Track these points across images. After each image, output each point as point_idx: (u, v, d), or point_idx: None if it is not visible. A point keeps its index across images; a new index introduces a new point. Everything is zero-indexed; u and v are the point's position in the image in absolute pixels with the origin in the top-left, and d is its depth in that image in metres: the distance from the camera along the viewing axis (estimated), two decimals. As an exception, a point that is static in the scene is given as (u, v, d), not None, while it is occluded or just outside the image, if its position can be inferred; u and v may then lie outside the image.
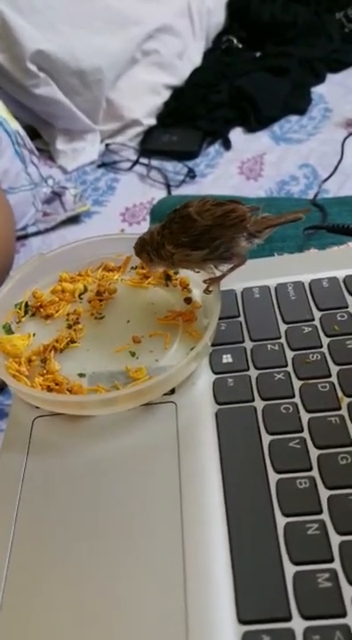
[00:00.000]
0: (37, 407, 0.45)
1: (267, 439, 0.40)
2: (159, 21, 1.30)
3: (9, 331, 0.49)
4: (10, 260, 0.59)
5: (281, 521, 0.36)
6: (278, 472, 0.38)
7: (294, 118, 1.28)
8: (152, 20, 1.29)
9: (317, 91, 1.35)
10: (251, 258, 0.51)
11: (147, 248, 0.46)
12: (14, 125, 1.10)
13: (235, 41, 1.43)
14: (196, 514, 0.38)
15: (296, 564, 0.34)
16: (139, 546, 0.37)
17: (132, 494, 0.40)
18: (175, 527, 0.37)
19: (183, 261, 0.45)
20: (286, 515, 0.36)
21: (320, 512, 0.36)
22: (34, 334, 0.49)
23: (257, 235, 0.45)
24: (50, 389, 0.44)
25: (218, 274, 0.48)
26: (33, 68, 1.14)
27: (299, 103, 1.29)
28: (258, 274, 0.52)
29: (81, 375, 0.46)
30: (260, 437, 0.41)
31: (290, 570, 0.34)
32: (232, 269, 0.46)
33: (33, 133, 1.27)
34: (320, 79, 1.36)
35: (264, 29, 1.42)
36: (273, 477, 0.38)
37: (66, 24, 1.18)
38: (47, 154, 1.30)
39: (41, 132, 1.30)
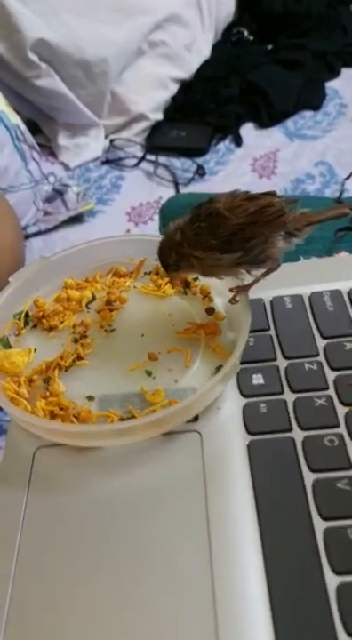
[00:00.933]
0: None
1: (310, 478, 0.34)
2: (167, 11, 1.24)
3: (6, 345, 0.44)
4: (18, 268, 0.54)
5: (332, 581, 0.30)
6: (325, 519, 0.33)
7: (308, 114, 1.23)
8: (160, 9, 1.23)
9: (331, 85, 1.29)
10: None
11: (170, 256, 0.40)
12: (14, 119, 1.04)
13: (245, 33, 1.37)
14: (227, 567, 0.32)
15: (349, 634, 0.29)
16: (159, 601, 0.31)
17: (150, 540, 0.34)
18: (203, 582, 0.31)
19: (212, 267, 0.39)
20: (338, 573, 0.30)
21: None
22: (35, 349, 0.43)
23: (296, 233, 0.39)
24: (54, 415, 0.39)
25: (246, 280, 0.42)
26: (34, 58, 1.08)
27: (312, 98, 1.24)
28: (287, 280, 0.46)
29: (89, 398, 0.40)
30: (302, 475, 0.35)
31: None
32: (265, 275, 0.40)
33: (34, 128, 1.21)
34: (334, 73, 1.30)
35: (276, 21, 1.37)
36: (319, 525, 0.32)
37: (69, 12, 1.12)
38: (48, 150, 1.24)
39: (42, 126, 1.24)
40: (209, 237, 0.37)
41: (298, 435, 0.36)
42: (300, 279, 0.47)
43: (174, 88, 1.29)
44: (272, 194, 0.39)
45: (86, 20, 1.13)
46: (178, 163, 1.17)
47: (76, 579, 0.33)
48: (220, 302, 0.45)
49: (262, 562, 0.32)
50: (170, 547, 0.33)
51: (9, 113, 1.03)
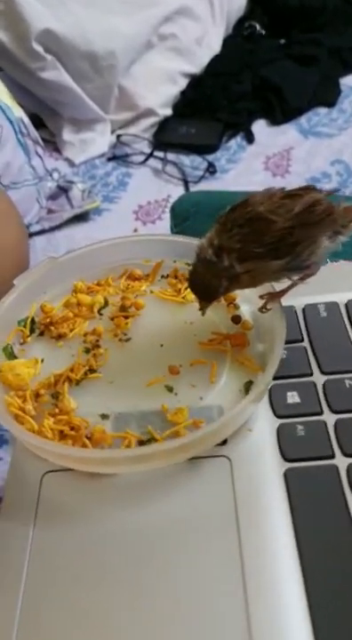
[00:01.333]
0: (47, 459, 0.34)
1: (357, 514, 0.30)
2: (177, 3, 1.19)
3: (11, 355, 0.39)
4: (22, 270, 0.49)
5: None
6: (378, 563, 0.28)
7: (323, 111, 1.18)
8: (170, 0, 1.18)
9: (347, 82, 1.24)
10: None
11: (221, 284, 0.34)
12: (18, 113, 1.00)
13: (257, 27, 1.33)
14: (267, 612, 0.27)
15: None
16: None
17: (174, 580, 0.30)
18: (239, 628, 0.27)
19: (258, 278, 0.35)
20: None
21: None
22: (42, 360, 0.39)
23: (342, 231, 0.34)
24: (63, 436, 0.34)
25: (278, 286, 0.37)
26: (39, 49, 1.03)
27: (327, 95, 1.19)
28: (318, 286, 0.41)
29: (103, 416, 0.36)
30: (348, 509, 0.30)
31: None
32: (302, 280, 0.36)
33: (37, 122, 1.16)
34: (350, 69, 1.25)
35: (289, 15, 1.32)
36: (371, 571, 0.28)
37: (76, 2, 1.07)
38: (53, 145, 1.19)
39: (46, 120, 1.20)
40: (254, 245, 0.33)
41: (342, 462, 0.32)
42: (334, 285, 0.43)
43: (184, 83, 1.24)
44: (311, 188, 0.35)
45: (94, 11, 1.09)
46: (187, 160, 1.13)
47: (86, 621, 0.29)
48: (246, 310, 0.41)
49: (306, 604, 0.27)
50: (197, 588, 0.29)
51: (12, 106, 0.99)
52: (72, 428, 0.35)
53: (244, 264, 0.33)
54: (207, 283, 0.34)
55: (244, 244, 0.32)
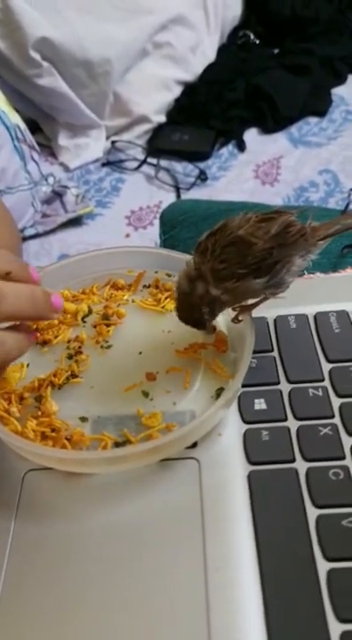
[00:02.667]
0: (29, 459, 0.37)
1: (313, 514, 0.33)
2: (173, 11, 1.22)
3: (-2, 360, 0.41)
4: None
5: (336, 628, 0.28)
6: (330, 560, 0.31)
7: (313, 120, 1.21)
8: (165, 9, 1.21)
9: (338, 92, 1.27)
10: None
11: (203, 312, 0.37)
12: (14, 119, 1.02)
13: (251, 36, 1.35)
14: (226, 606, 0.30)
15: None
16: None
17: (143, 574, 0.32)
18: (199, 624, 0.29)
19: (240, 296, 0.37)
20: (343, 620, 0.29)
21: None
22: (27, 364, 0.41)
23: (312, 249, 0.37)
24: (45, 437, 0.37)
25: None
26: (36, 56, 1.06)
27: (318, 104, 1.22)
28: (291, 299, 0.44)
29: (83, 419, 0.38)
30: (305, 511, 0.33)
31: None
32: (272, 295, 0.38)
33: (34, 127, 1.18)
34: (341, 80, 1.28)
35: (283, 25, 1.35)
36: (323, 566, 0.31)
37: (73, 9, 1.10)
38: (48, 150, 1.22)
39: (42, 126, 1.22)
40: (237, 267, 0.35)
41: (302, 466, 0.35)
42: (304, 298, 0.45)
43: (178, 90, 1.27)
44: (282, 211, 0.37)
45: (90, 19, 1.11)
46: (179, 167, 1.15)
47: (61, 614, 0.31)
48: (220, 320, 0.43)
49: (262, 602, 0.30)
50: (163, 581, 0.31)
51: (9, 112, 1.01)
52: (53, 430, 0.37)
53: (226, 284, 0.35)
54: (190, 313, 0.37)
55: (228, 264, 0.35)
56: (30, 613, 0.31)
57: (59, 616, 0.31)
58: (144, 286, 0.47)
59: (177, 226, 0.73)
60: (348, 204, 0.68)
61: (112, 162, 1.18)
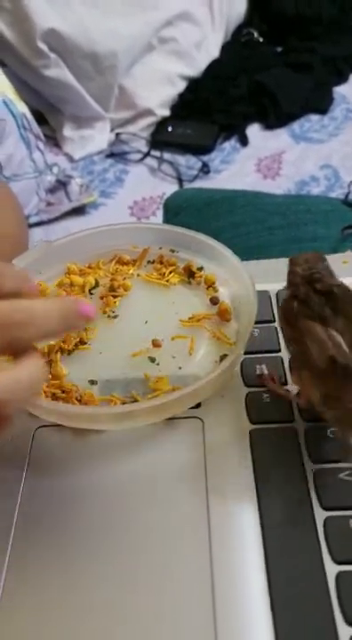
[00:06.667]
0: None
1: (311, 468, 0.34)
2: (179, 7, 1.24)
3: (10, 326, 0.43)
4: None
5: (332, 569, 0.30)
6: (326, 509, 0.32)
7: (315, 117, 1.23)
8: (171, 5, 1.23)
9: (339, 90, 1.29)
10: (280, 256, 0.45)
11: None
12: (21, 108, 1.03)
13: (255, 34, 1.37)
14: (227, 558, 0.31)
15: (349, 624, 0.28)
16: (157, 591, 0.31)
17: (148, 528, 0.33)
18: (202, 573, 0.31)
19: None
20: (338, 562, 0.30)
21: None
22: (38, 332, 0.43)
23: None
24: (56, 397, 0.38)
25: None
26: (44, 47, 1.08)
27: (320, 102, 1.24)
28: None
29: (92, 382, 0.39)
30: (303, 466, 0.34)
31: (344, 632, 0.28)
32: None
33: (40, 118, 1.20)
34: (343, 78, 1.30)
35: (286, 23, 1.37)
36: (320, 515, 0.32)
37: (81, 3, 1.11)
38: (53, 141, 1.23)
39: (48, 117, 1.24)
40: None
41: (300, 425, 0.36)
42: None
43: (182, 85, 1.29)
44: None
45: (98, 12, 1.13)
46: (182, 159, 1.17)
47: (69, 565, 0.32)
48: (224, 292, 0.45)
49: (263, 552, 0.31)
50: (168, 535, 0.33)
51: (16, 101, 1.03)
52: (63, 392, 0.38)
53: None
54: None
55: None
56: (39, 560, 0.33)
57: (66, 564, 0.33)
58: (148, 262, 0.49)
59: (180, 212, 0.75)
60: (347, 195, 0.70)
61: (116, 153, 1.20)
